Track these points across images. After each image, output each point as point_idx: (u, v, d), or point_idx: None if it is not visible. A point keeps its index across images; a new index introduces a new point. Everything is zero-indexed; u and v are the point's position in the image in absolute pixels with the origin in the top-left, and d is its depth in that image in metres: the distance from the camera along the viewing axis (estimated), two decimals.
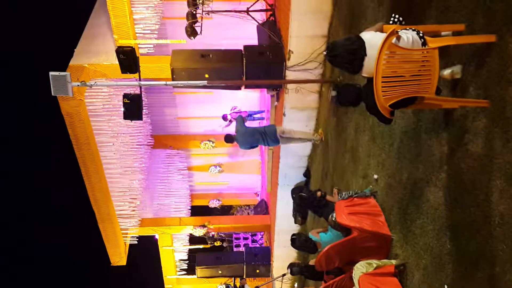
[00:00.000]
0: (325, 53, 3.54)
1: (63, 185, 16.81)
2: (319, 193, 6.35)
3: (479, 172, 3.29)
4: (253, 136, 8.20)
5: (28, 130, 17.24)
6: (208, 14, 9.78)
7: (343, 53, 3.40)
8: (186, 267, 14.50)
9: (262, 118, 12.52)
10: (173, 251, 14.09)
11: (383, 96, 3.13)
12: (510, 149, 2.93)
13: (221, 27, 11.27)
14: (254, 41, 9.83)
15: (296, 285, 10.63)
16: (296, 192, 8.58)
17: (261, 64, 8.32)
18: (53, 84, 6.50)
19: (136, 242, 12.51)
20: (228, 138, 8.65)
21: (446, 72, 3.51)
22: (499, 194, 3.04)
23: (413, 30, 3.29)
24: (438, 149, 3.96)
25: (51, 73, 6.44)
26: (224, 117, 12.83)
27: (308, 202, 6.39)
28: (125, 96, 6.93)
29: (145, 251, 14.19)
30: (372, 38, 3.32)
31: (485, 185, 3.20)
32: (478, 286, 3.25)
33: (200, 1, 9.55)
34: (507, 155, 2.96)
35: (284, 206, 10.11)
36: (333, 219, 5.51)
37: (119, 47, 7.13)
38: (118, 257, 12.34)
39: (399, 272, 4.62)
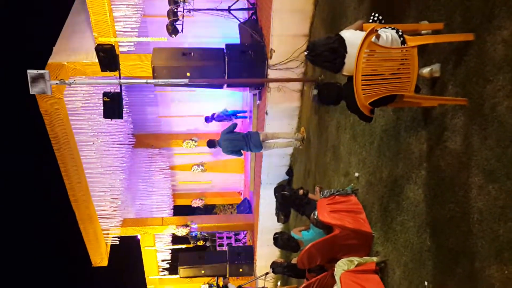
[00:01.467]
0: (306, 52, 3.52)
1: (42, 185, 16.56)
2: (301, 191, 6.36)
3: (457, 169, 3.33)
4: (237, 141, 8.16)
5: (6, 129, 16.94)
6: (189, 12, 9.72)
7: (324, 52, 3.40)
8: (169, 267, 14.41)
9: (245, 117, 12.51)
10: (156, 251, 13.99)
11: (363, 94, 3.14)
12: (488, 147, 2.96)
13: (203, 26, 11.20)
14: (236, 40, 9.80)
15: (279, 283, 10.64)
16: (279, 190, 8.59)
17: (243, 63, 8.29)
18: (31, 82, 6.39)
19: (118, 243, 12.37)
20: (211, 143, 8.59)
21: (425, 70, 3.54)
22: (478, 191, 3.07)
23: (392, 29, 3.31)
24: (417, 147, 4.00)
25: (29, 71, 6.33)
26: (206, 119, 12.81)
27: (290, 201, 6.40)
28: (105, 94, 6.85)
29: (127, 251, 14.08)
30: (352, 37, 3.33)
31: (464, 182, 3.24)
32: (458, 282, 3.29)
33: None
34: (485, 152, 3.00)
35: (267, 204, 10.11)
36: (315, 217, 5.53)
37: (98, 44, 7.05)
38: (99, 257, 12.21)
39: (380, 269, 4.65)
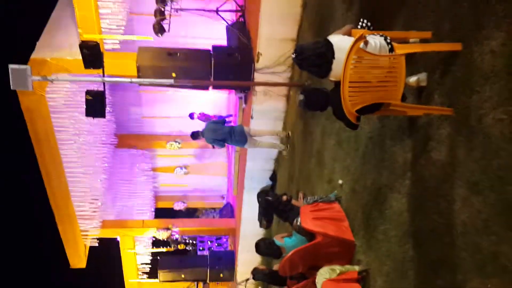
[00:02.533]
0: (293, 56, 3.47)
1: (20, 184, 16.23)
2: (284, 197, 6.30)
3: (442, 180, 3.29)
4: (221, 130, 8.06)
5: None
6: (177, 12, 9.64)
7: (311, 57, 3.35)
8: (148, 271, 14.20)
9: (230, 122, 12.44)
10: (135, 254, 13.78)
11: (350, 101, 3.09)
12: (474, 158, 2.93)
13: (190, 26, 11.13)
14: (223, 42, 9.73)
15: None
16: (262, 195, 8.51)
17: (230, 65, 8.22)
18: (12, 77, 6.22)
19: (97, 244, 12.15)
20: (194, 135, 8.49)
21: (412, 79, 3.51)
22: (462, 203, 3.04)
23: (381, 36, 3.27)
24: (402, 156, 3.96)
25: (10, 66, 6.16)
26: (191, 116, 12.69)
27: (273, 206, 6.33)
28: (88, 92, 6.71)
29: (106, 253, 13.83)
30: (340, 42, 3.29)
31: (447, 193, 3.20)
32: None
33: None
34: (470, 164, 2.97)
35: (249, 209, 10.03)
36: (298, 223, 5.47)
37: (83, 41, 6.93)
38: (78, 259, 11.97)
39: (362, 278, 4.61)
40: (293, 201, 6.32)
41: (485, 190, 2.81)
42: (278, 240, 6.00)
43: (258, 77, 8.03)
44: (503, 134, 2.66)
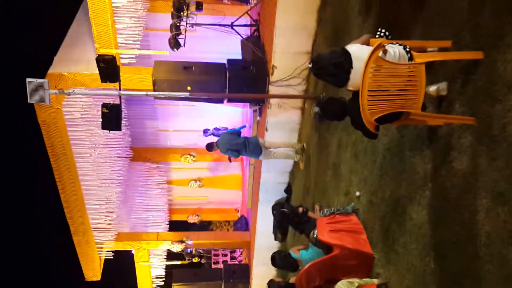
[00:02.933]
0: (310, 65, 3.46)
1: (37, 196, 16.37)
2: (300, 209, 6.23)
3: (464, 191, 3.23)
4: (236, 141, 8.05)
5: (3, 137, 16.79)
6: (192, 27, 9.72)
7: (328, 66, 3.34)
8: (163, 284, 14.15)
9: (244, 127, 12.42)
10: (150, 266, 13.75)
11: (369, 110, 3.06)
12: (497, 168, 2.87)
13: (205, 41, 11.22)
14: (238, 56, 9.78)
15: None
16: (277, 208, 8.43)
17: (244, 78, 8.25)
18: (29, 91, 6.34)
19: (112, 257, 12.16)
20: (210, 146, 8.50)
21: (432, 88, 3.47)
22: (485, 213, 2.97)
23: (400, 45, 3.24)
24: (421, 167, 3.90)
25: (28, 79, 6.28)
26: (205, 132, 12.72)
27: (289, 218, 6.26)
28: (104, 105, 6.78)
29: (121, 266, 13.82)
30: (358, 51, 3.27)
31: (470, 204, 3.14)
32: None
33: (185, 14, 9.49)
34: (493, 173, 2.91)
35: (264, 222, 9.96)
36: (315, 236, 5.40)
37: (99, 55, 7.02)
38: (93, 272, 11.98)
39: None
40: (309, 213, 6.24)
41: (511, 200, 2.74)
42: (294, 252, 5.93)
43: (272, 89, 8.03)
44: None
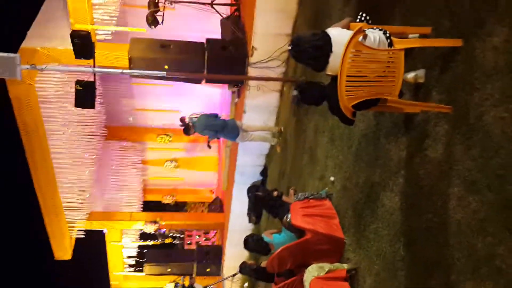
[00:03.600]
0: (289, 47, 3.38)
1: (6, 174, 15.97)
2: (275, 193, 6.22)
3: (437, 178, 3.24)
4: (214, 122, 7.98)
5: None
6: (171, 4, 9.49)
7: (308, 49, 3.26)
8: (134, 264, 14.09)
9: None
10: (122, 246, 13.66)
11: (347, 96, 3.02)
12: (471, 156, 2.87)
13: (184, 19, 10.97)
14: (217, 35, 9.61)
15: (246, 285, 10.50)
16: (252, 190, 8.41)
17: (223, 59, 8.12)
18: (0, 66, 6.09)
19: (83, 236, 12.01)
20: (186, 129, 8.39)
21: (410, 75, 3.45)
22: (457, 202, 2.98)
23: (380, 30, 3.20)
24: (396, 154, 3.90)
25: None
26: (182, 119, 12.53)
27: (263, 202, 6.25)
28: (78, 82, 6.58)
29: (92, 245, 13.67)
30: (338, 35, 3.21)
31: (443, 192, 3.15)
32: None
33: None
34: (467, 162, 2.91)
35: (239, 204, 9.95)
36: (288, 220, 5.40)
37: (74, 30, 6.80)
38: (63, 250, 11.82)
39: (351, 277, 4.55)
40: (284, 197, 6.25)
41: (483, 189, 2.76)
42: (267, 236, 5.93)
43: (251, 71, 7.94)
44: (504, 132, 2.60)
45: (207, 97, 13.30)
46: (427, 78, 3.40)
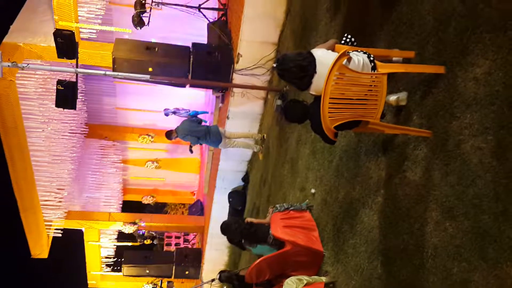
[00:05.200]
0: (274, 65, 3.41)
1: None
2: (247, 220, 5.92)
3: (415, 201, 3.28)
4: (197, 129, 7.94)
5: None
6: (158, 5, 9.42)
7: (293, 68, 3.29)
8: (112, 264, 13.96)
9: (205, 121, 12.30)
10: (100, 246, 13.52)
11: (329, 117, 3.04)
12: (449, 183, 2.92)
13: (170, 21, 10.92)
14: (203, 39, 9.58)
15: None
16: (233, 196, 8.40)
17: (209, 64, 8.09)
18: None
19: (60, 235, 11.85)
20: (169, 134, 8.34)
21: (392, 98, 3.49)
22: (434, 226, 3.03)
23: (364, 53, 3.23)
24: (376, 173, 3.94)
25: None
26: (165, 111, 12.48)
27: (242, 236, 5.92)
28: (59, 82, 6.51)
29: (70, 244, 13.50)
30: (323, 56, 3.24)
31: (420, 215, 3.19)
32: None
33: None
34: (445, 188, 2.96)
35: (219, 209, 9.95)
36: (271, 238, 5.37)
37: (57, 29, 6.70)
38: (40, 249, 11.66)
39: None
40: (254, 220, 5.97)
41: (459, 216, 2.81)
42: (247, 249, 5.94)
43: (236, 78, 7.93)
44: (482, 162, 2.65)
45: (191, 98, 13.26)
46: (409, 101, 3.44)
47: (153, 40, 9.42)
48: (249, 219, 5.92)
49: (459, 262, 2.78)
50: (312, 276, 4.87)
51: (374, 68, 3.15)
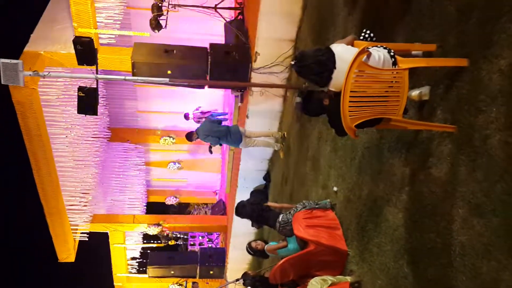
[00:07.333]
0: (293, 62, 3.35)
1: (11, 177, 16.01)
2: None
3: (441, 199, 3.20)
4: (217, 129, 7.97)
5: None
6: (174, 8, 9.45)
7: (311, 64, 3.23)
8: (138, 266, 14.10)
9: (226, 120, 12.31)
10: (125, 248, 13.67)
11: (350, 116, 2.98)
12: (475, 179, 2.83)
13: (187, 22, 10.95)
14: (221, 39, 9.58)
15: None
16: (254, 195, 8.39)
17: (227, 64, 8.07)
18: (3, 72, 6.06)
19: (87, 239, 12.02)
20: (189, 135, 8.38)
21: (414, 93, 3.40)
22: (461, 224, 2.95)
23: (384, 48, 3.15)
24: (400, 169, 3.86)
25: (1, 60, 6.01)
26: (186, 116, 12.56)
27: (253, 212, 6.07)
28: (80, 89, 6.58)
29: (96, 247, 13.69)
30: (342, 51, 3.17)
31: (447, 213, 3.11)
32: None
33: None
34: (472, 184, 2.87)
35: None
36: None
37: (76, 37, 6.77)
38: (66, 253, 11.83)
39: None
40: (270, 204, 6.17)
41: (487, 214, 2.72)
42: (272, 253, 5.92)
43: (255, 76, 7.89)
44: (510, 157, 2.55)
45: (210, 98, 13.29)
46: (432, 96, 3.35)
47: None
48: (270, 203, 6.02)
49: (488, 261, 2.70)
50: (337, 276, 4.81)
51: (395, 63, 3.07)
